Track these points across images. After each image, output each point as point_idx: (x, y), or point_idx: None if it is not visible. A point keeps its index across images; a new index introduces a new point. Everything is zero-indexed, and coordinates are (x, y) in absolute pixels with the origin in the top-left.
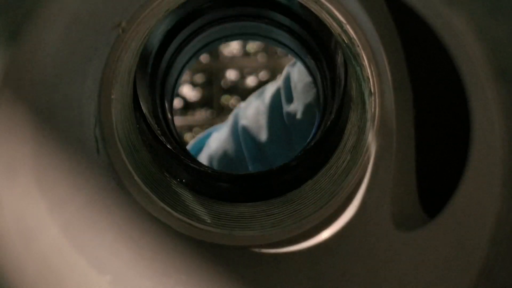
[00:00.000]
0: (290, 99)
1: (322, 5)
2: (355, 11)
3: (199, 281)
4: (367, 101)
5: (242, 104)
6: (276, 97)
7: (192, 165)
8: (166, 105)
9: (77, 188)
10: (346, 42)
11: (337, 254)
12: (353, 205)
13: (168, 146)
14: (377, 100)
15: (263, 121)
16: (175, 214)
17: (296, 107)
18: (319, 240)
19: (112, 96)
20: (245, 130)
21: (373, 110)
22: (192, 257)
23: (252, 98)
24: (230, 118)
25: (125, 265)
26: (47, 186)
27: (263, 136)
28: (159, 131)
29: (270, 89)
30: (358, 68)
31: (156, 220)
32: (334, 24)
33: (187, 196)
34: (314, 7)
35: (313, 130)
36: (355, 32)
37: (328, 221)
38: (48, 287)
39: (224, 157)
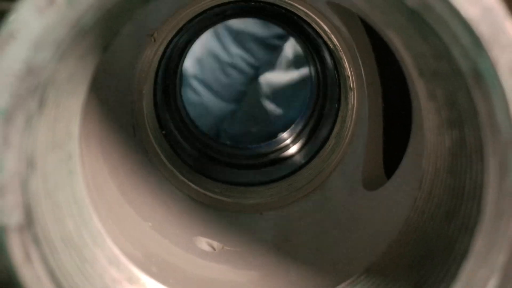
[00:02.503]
0: None
1: (311, 18)
2: (337, 24)
3: (216, 233)
4: (348, 95)
5: None
6: None
7: (204, 151)
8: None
9: (125, 160)
10: (331, 47)
11: (322, 212)
12: (335, 176)
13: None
14: (355, 94)
15: None
16: (193, 186)
17: None
18: (309, 203)
19: (143, 92)
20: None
21: (352, 102)
22: (208, 218)
23: None
24: None
25: (160, 217)
26: (107, 155)
27: None
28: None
29: None
30: (340, 69)
31: (179, 190)
32: (322, 33)
33: (201, 176)
34: (306, 19)
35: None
36: (338, 40)
37: (316, 189)
38: (113, 229)
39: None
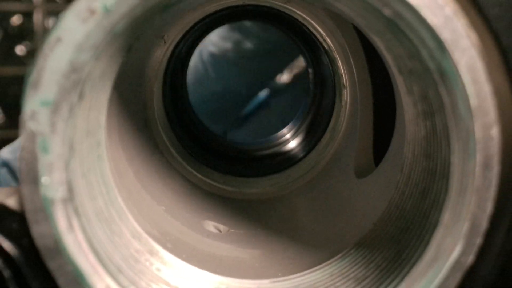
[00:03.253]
0: None
1: (308, 22)
2: (332, 28)
3: (221, 217)
4: (342, 92)
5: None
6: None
7: (208, 144)
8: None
9: (139, 150)
10: (326, 48)
11: (317, 198)
12: (330, 167)
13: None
14: (348, 92)
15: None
16: (199, 176)
17: None
18: (305, 191)
19: (154, 89)
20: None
21: (345, 98)
22: (214, 205)
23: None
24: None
25: (171, 202)
26: (125, 145)
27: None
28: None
29: None
30: (335, 68)
31: (187, 179)
32: (318, 35)
33: (206, 167)
34: (303, 23)
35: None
36: (332, 42)
37: (312, 179)
38: (133, 209)
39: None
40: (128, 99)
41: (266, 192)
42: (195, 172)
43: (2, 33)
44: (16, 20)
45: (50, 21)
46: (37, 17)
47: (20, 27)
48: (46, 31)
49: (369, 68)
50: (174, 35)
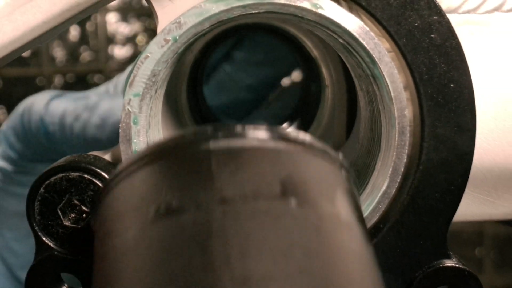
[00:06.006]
0: None
1: (299, 37)
2: (316, 41)
3: None
4: (324, 90)
5: None
6: None
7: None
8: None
9: (175, 132)
10: (313, 57)
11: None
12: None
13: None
14: (329, 90)
15: None
16: None
17: None
18: None
19: (182, 88)
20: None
21: (327, 95)
22: None
23: None
24: None
25: None
26: (167, 126)
27: None
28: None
29: None
30: (319, 72)
31: None
32: (306, 47)
33: None
34: (295, 37)
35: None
36: (317, 52)
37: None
38: None
39: None
40: (168, 94)
41: None
42: None
43: None
44: None
45: None
46: None
47: None
48: None
49: (343, 71)
50: (198, 46)
